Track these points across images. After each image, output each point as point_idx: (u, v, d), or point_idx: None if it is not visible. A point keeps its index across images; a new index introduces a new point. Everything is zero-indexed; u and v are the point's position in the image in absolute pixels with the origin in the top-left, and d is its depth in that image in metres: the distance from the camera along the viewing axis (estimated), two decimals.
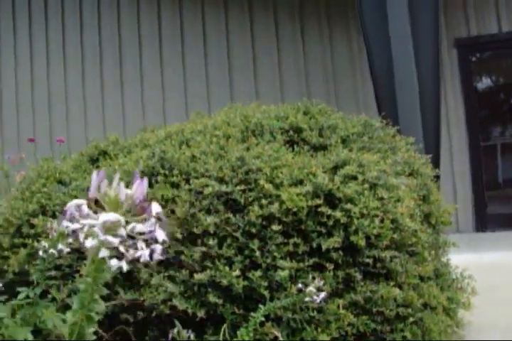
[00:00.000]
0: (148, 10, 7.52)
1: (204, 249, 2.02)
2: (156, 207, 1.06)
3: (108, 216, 1.01)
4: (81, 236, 1.02)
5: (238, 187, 2.18)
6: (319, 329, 2.00)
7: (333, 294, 2.09)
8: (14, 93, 8.19)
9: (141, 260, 1.06)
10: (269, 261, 2.03)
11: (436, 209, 2.84)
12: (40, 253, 1.84)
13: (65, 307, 2.07)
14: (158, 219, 1.09)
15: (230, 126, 2.79)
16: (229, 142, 2.58)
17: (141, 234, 1.06)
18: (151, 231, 1.05)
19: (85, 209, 1.04)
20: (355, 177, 2.32)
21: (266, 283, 1.98)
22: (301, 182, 2.24)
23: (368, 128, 3.00)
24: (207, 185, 2.19)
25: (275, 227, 2.08)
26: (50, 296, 2.06)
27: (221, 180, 2.23)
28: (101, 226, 1.01)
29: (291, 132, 2.74)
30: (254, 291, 1.98)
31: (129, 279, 2.08)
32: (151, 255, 1.10)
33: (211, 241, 2.03)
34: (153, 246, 1.08)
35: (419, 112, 4.24)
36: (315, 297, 1.84)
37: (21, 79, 8.11)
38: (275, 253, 2.04)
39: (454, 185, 6.29)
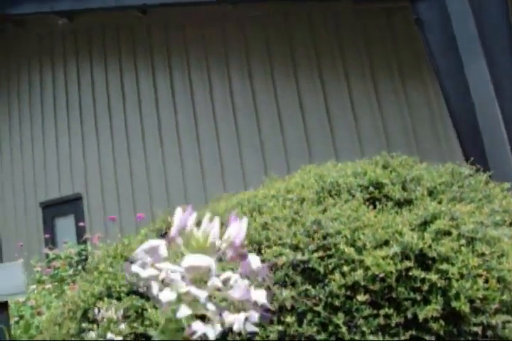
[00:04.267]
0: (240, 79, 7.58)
1: (281, 327, 1.78)
2: (255, 260, 0.80)
3: (196, 259, 0.73)
4: (155, 287, 0.73)
5: (316, 255, 1.94)
6: None
7: None
8: (99, 174, 8.36)
9: (235, 327, 0.76)
10: (357, 337, 1.76)
11: None
12: None
13: None
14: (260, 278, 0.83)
15: (304, 188, 2.58)
16: (303, 205, 2.36)
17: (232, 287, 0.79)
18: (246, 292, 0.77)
19: (164, 252, 0.75)
20: (448, 233, 2.04)
21: None
22: (386, 243, 1.98)
23: (457, 176, 2.71)
24: (281, 254, 1.97)
25: (361, 297, 1.81)
26: None
27: (296, 248, 2.00)
28: (184, 273, 0.73)
29: (371, 188, 2.49)
30: None
31: None
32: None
33: (289, 318, 1.78)
34: (249, 312, 0.78)
35: (510, 154, 3.90)
36: None
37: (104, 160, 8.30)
38: (364, 328, 1.77)
39: None
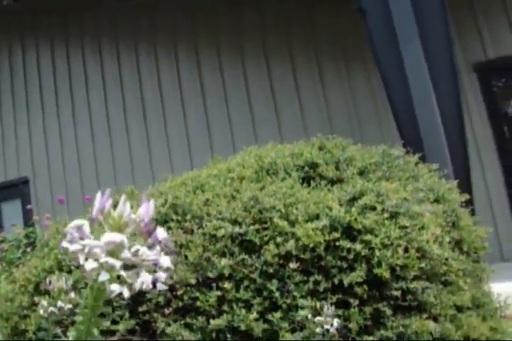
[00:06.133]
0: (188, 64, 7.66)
1: (220, 293, 1.95)
2: (161, 233, 0.99)
3: (111, 236, 0.94)
4: (81, 258, 0.94)
5: (252, 227, 2.11)
6: None
7: (362, 331, 1.97)
8: (46, 157, 8.35)
9: (144, 287, 0.96)
10: (289, 301, 1.94)
11: (468, 234, 2.71)
12: (41, 312, 1.79)
13: None
14: (166, 247, 1.03)
15: (244, 168, 2.74)
16: (243, 183, 2.53)
17: (144, 260, 0.99)
18: (155, 258, 0.98)
19: (87, 230, 0.97)
20: (373, 208, 2.24)
21: (287, 325, 1.88)
22: (317, 217, 2.16)
23: (387, 157, 2.91)
24: (220, 228, 2.13)
25: (293, 265, 1.99)
26: None
27: (235, 222, 2.17)
28: (103, 248, 0.94)
29: (306, 168, 2.67)
30: (275, 334, 1.88)
31: (146, 330, 2.00)
32: (154, 283, 1.01)
33: (227, 285, 1.95)
34: (157, 274, 0.98)
35: (443, 138, 4.15)
36: (326, 326, 1.73)
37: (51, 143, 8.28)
38: (295, 293, 1.95)
39: (493, 213, 6.09)
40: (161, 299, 2.00)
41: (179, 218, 2.26)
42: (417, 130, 4.25)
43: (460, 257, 2.54)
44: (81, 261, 0.94)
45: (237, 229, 2.09)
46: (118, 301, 2.05)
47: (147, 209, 0.98)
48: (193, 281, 1.97)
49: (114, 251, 0.95)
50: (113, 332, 2.00)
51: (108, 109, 7.99)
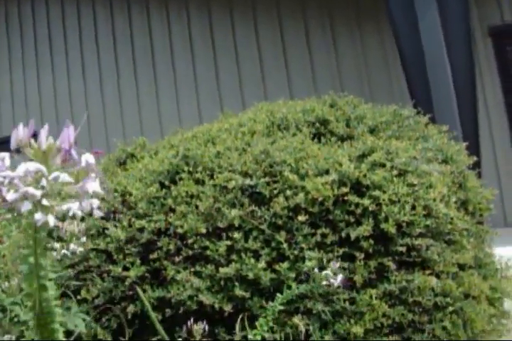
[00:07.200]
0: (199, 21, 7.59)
1: (229, 242, 1.99)
2: (86, 158, 1.00)
3: (26, 165, 0.95)
4: (4, 190, 0.95)
5: (262, 180, 2.14)
6: (352, 321, 1.93)
7: (366, 284, 2.02)
8: (54, 110, 8.36)
9: (70, 214, 0.99)
10: (296, 252, 1.98)
11: (474, 196, 2.74)
12: (54, 254, 1.84)
13: (95, 308, 2.06)
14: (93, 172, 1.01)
15: (255, 122, 2.76)
16: (254, 137, 2.55)
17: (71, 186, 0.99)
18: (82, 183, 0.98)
19: (7, 162, 0.98)
20: (383, 165, 2.26)
21: (293, 275, 1.93)
22: (326, 172, 2.19)
23: (398, 117, 2.92)
24: (231, 179, 2.16)
25: (301, 218, 2.03)
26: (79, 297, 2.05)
27: (245, 174, 2.20)
28: (22, 178, 0.95)
29: (317, 124, 2.69)
30: (282, 283, 1.93)
31: (156, 277, 2.05)
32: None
33: (236, 235, 1.99)
34: (90, 200, 1.00)
35: (454, 100, 4.15)
36: (332, 280, 1.77)
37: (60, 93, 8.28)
38: (302, 245, 1.99)
39: (499, 179, 6.11)
40: (171, 247, 2.05)
41: (190, 169, 2.29)
42: (428, 92, 4.25)
43: (465, 217, 2.58)
44: (3, 193, 0.96)
45: (247, 181, 2.12)
46: (129, 248, 2.11)
47: (67, 136, 0.97)
48: (204, 231, 2.02)
49: (36, 180, 0.96)
50: (124, 279, 2.05)
51: (118, 63, 7.97)
